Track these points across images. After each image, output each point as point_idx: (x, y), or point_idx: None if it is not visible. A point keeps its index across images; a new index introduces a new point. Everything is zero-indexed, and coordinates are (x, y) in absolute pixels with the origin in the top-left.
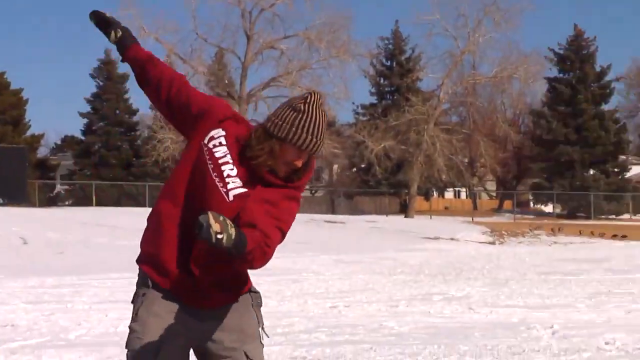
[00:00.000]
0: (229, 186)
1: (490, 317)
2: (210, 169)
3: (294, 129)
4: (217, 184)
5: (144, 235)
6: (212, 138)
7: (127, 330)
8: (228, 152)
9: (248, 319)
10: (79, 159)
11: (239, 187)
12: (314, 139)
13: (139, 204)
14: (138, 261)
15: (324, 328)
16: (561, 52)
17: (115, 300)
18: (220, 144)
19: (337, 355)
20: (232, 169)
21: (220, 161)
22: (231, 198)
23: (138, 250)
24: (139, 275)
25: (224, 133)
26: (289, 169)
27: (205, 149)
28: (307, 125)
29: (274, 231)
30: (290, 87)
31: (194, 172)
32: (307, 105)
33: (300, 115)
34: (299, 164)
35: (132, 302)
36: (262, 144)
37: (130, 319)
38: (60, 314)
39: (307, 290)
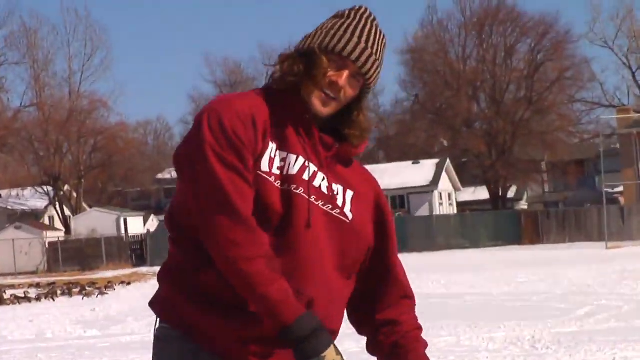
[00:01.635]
0: (338, 200)
1: None
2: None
3: (333, 31)
4: (323, 207)
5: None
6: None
7: None
8: (302, 156)
9: None
10: None
11: (345, 190)
12: (366, 47)
13: None
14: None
15: None
16: None
17: None
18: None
19: None
20: (317, 174)
21: (304, 176)
22: (350, 215)
23: None
24: None
25: (273, 145)
26: (328, 100)
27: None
28: (353, 29)
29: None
30: None
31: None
32: (353, 12)
33: (343, 20)
34: (341, 80)
35: None
36: (292, 67)
37: None
38: None
39: None
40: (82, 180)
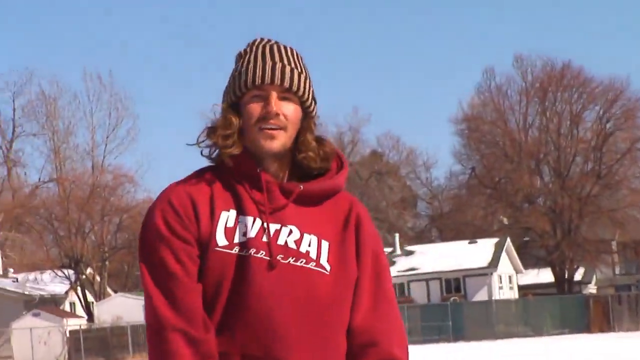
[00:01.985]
0: (312, 253)
1: None
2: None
3: (241, 70)
4: (295, 263)
5: None
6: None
7: None
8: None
9: None
10: None
11: (313, 239)
12: (275, 62)
13: None
14: None
15: None
16: None
17: None
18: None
19: None
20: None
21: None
22: (328, 266)
23: None
24: None
25: (228, 213)
26: (273, 132)
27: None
28: (255, 57)
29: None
30: None
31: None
32: (249, 46)
33: (244, 57)
34: (270, 106)
35: None
36: (225, 126)
37: None
38: None
39: None
40: (106, 263)
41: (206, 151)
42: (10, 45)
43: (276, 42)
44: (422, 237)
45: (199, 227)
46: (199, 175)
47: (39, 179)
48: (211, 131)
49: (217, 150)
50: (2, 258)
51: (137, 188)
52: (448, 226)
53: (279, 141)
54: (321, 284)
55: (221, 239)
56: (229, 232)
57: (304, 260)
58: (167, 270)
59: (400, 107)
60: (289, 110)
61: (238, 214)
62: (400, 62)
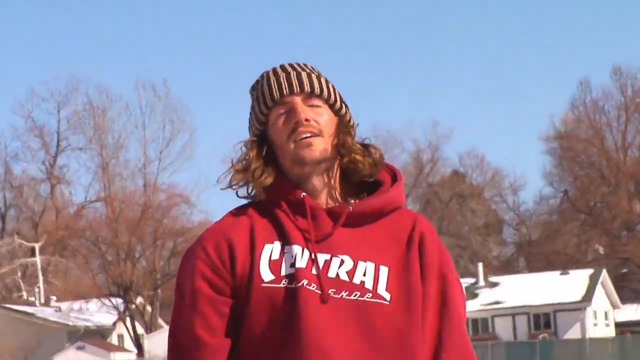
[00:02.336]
0: (367, 283)
1: None
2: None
3: (259, 98)
4: (349, 297)
5: None
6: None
7: None
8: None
9: None
10: None
11: (369, 267)
12: (289, 73)
13: None
14: None
15: None
16: None
17: None
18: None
19: None
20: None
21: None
22: (388, 295)
23: None
24: None
25: (272, 246)
26: (310, 139)
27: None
28: (268, 79)
29: None
30: None
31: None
32: (261, 75)
33: (258, 85)
34: (297, 114)
35: None
36: (256, 158)
37: None
38: None
39: None
40: (159, 291)
41: (242, 191)
42: (55, 51)
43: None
44: (508, 267)
45: (235, 270)
46: (239, 210)
47: (85, 197)
48: (238, 168)
49: (252, 187)
50: (44, 285)
51: (192, 209)
52: (537, 255)
53: (318, 147)
54: (380, 315)
55: (266, 274)
56: (274, 265)
57: (359, 293)
58: (192, 335)
59: (484, 122)
60: (319, 114)
61: (283, 244)
62: (485, 72)
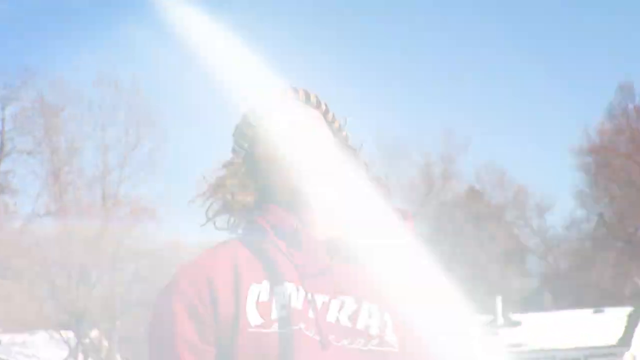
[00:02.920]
0: (372, 328)
1: None
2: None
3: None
4: (351, 346)
5: None
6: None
7: None
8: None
9: None
10: None
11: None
12: (293, 91)
13: None
14: None
15: None
16: None
17: None
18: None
19: None
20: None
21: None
22: (394, 339)
23: None
24: None
25: (259, 286)
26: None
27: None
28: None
29: None
30: None
31: None
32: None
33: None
34: (306, 127)
35: None
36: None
37: None
38: None
39: None
40: (117, 323)
41: (222, 223)
42: (4, 40)
43: None
44: (531, 303)
45: (218, 314)
46: (220, 247)
47: (33, 209)
48: (216, 188)
49: (234, 219)
50: None
51: (160, 226)
52: (566, 289)
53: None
54: None
55: (253, 317)
56: (263, 308)
57: (362, 341)
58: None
59: (506, 131)
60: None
61: (273, 284)
62: (506, 75)
